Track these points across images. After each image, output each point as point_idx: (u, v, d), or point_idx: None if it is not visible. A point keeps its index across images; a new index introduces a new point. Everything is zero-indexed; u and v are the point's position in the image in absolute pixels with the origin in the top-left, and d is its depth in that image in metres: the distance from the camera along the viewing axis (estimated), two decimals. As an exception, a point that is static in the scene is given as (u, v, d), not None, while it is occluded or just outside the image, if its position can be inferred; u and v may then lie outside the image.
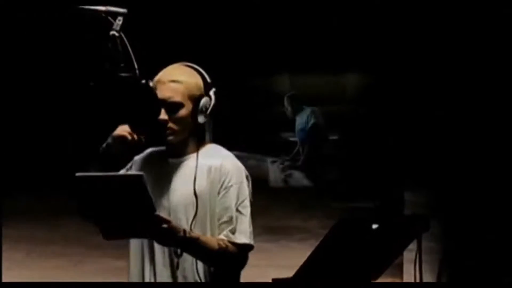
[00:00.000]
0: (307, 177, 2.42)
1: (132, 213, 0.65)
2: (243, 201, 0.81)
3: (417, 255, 0.70)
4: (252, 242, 0.77)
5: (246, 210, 0.80)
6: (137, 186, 0.64)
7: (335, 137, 4.76)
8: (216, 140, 0.87)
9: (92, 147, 0.81)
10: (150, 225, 0.67)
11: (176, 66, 0.84)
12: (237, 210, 0.79)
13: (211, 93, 0.82)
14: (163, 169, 0.82)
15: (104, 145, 0.81)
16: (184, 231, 0.71)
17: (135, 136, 0.78)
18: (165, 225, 0.68)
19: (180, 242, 0.71)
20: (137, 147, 0.83)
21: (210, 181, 0.80)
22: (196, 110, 0.80)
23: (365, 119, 4.96)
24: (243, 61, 4.66)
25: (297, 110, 3.01)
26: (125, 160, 0.86)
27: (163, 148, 0.85)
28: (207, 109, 0.81)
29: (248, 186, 0.82)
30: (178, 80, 0.81)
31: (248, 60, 4.71)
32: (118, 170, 0.83)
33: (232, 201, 0.80)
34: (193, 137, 0.82)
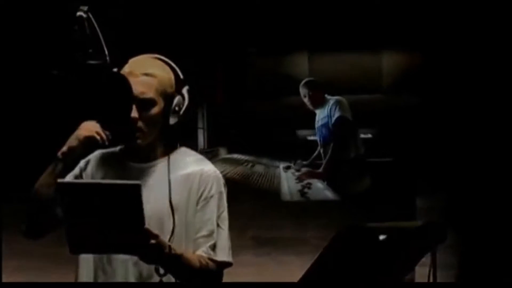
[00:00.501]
0: (332, 188, 2.29)
1: (120, 226, 0.66)
2: (222, 213, 0.83)
3: (431, 270, 0.70)
4: (231, 260, 0.79)
5: (225, 223, 0.83)
6: (133, 197, 0.66)
7: (367, 135, 4.76)
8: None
9: (53, 149, 0.81)
10: (138, 240, 0.68)
11: (147, 57, 0.85)
12: (217, 224, 0.81)
13: (184, 91, 0.84)
14: (126, 176, 0.82)
15: (65, 148, 0.80)
16: (170, 247, 0.73)
17: (104, 136, 0.79)
18: (153, 241, 0.70)
19: (166, 260, 0.73)
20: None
21: (188, 190, 0.82)
22: (167, 109, 0.81)
23: (407, 111, 4.94)
24: (246, 33, 4.70)
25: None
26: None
27: (115, 149, 0.85)
28: (180, 109, 0.82)
29: (226, 196, 0.84)
30: (152, 74, 0.81)
31: (254, 33, 4.74)
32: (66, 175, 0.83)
33: (212, 213, 0.81)
34: (161, 140, 0.83)
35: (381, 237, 0.65)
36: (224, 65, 4.94)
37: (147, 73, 0.80)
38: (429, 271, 0.68)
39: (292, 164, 3.06)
